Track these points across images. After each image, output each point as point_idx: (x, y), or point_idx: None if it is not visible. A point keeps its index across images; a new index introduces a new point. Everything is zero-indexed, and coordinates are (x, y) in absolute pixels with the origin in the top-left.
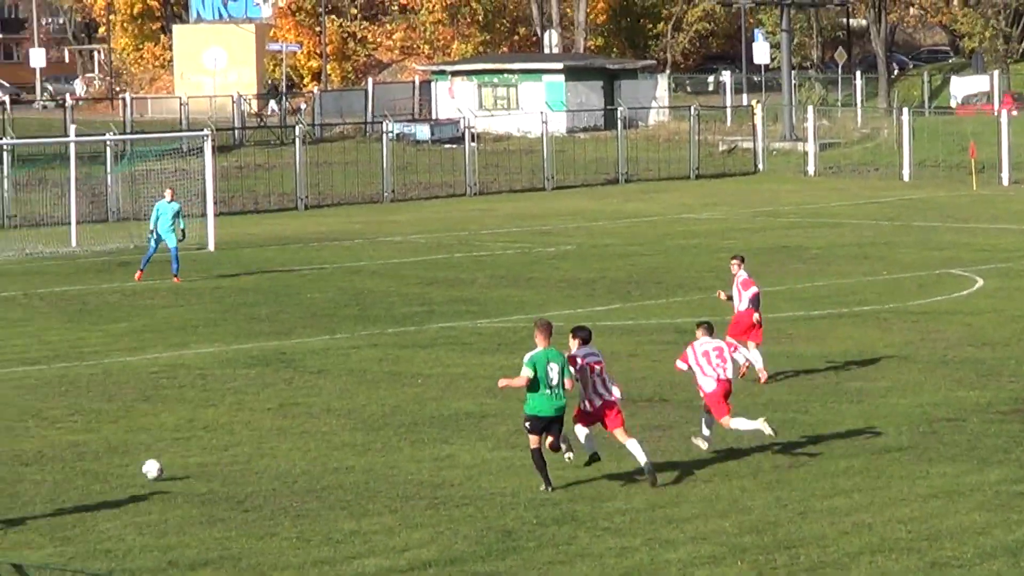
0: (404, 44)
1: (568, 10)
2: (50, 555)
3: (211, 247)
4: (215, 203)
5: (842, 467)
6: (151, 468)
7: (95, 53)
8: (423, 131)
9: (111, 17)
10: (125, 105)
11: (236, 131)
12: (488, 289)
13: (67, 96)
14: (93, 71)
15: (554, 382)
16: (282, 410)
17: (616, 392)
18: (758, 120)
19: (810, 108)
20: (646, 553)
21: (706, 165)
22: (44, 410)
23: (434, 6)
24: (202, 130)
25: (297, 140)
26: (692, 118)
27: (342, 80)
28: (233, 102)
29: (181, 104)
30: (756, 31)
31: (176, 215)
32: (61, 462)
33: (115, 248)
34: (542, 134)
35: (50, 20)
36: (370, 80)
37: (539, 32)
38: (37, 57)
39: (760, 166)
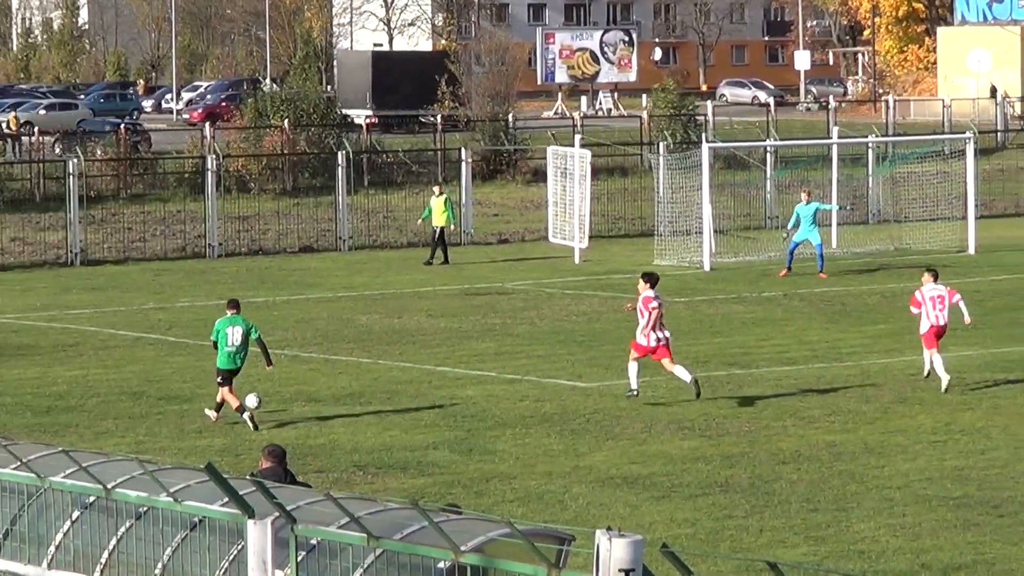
0: None
1: None
2: (804, 554)
3: (971, 250)
4: (976, 206)
5: None
6: (251, 400)
7: (859, 55)
8: None
9: (875, 19)
10: (887, 107)
11: (999, 133)
12: None
13: (830, 98)
14: (856, 73)
15: None
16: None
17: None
18: None
19: None
20: None
21: None
22: (802, 410)
23: None
24: (964, 133)
25: None
26: None
27: None
28: (996, 104)
29: (944, 107)
30: None
31: (815, 214)
32: (817, 462)
33: (875, 250)
34: None
35: (815, 23)
36: None
37: None
38: (802, 59)
39: None
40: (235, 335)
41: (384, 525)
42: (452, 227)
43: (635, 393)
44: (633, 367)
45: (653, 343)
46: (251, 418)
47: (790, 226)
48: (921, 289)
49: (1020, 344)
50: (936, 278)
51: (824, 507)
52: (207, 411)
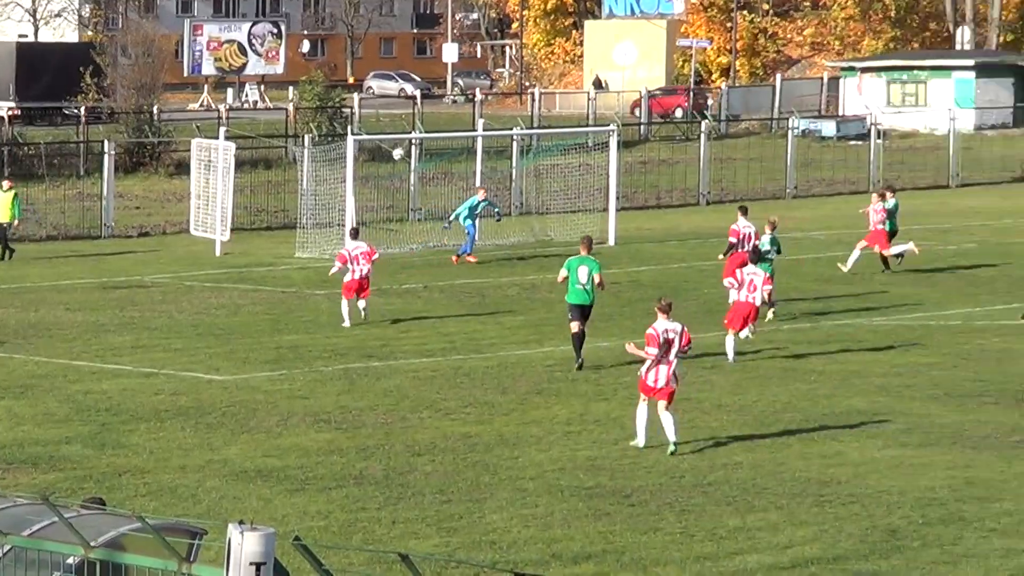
0: (814, 40)
1: (981, 6)
2: (436, 545)
3: (612, 242)
4: (617, 198)
5: None
6: None
7: (507, 48)
8: (829, 127)
9: (524, 12)
10: (533, 100)
11: (642, 126)
12: (887, 286)
13: (476, 90)
14: (504, 66)
15: None
16: (673, 405)
17: None
18: None
19: None
20: None
21: None
22: (438, 401)
23: (846, 2)
24: (608, 125)
25: (702, 136)
26: None
27: (750, 76)
28: (641, 97)
29: (589, 99)
30: None
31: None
32: (452, 453)
33: (515, 242)
34: (949, 131)
35: (463, 15)
36: (778, 76)
37: (951, 28)
38: (449, 52)
39: None
40: None
41: (12, 521)
42: (17, 224)
43: None
44: None
45: None
46: None
47: (452, 217)
48: (742, 270)
49: None
50: (746, 213)
51: (457, 498)
52: None
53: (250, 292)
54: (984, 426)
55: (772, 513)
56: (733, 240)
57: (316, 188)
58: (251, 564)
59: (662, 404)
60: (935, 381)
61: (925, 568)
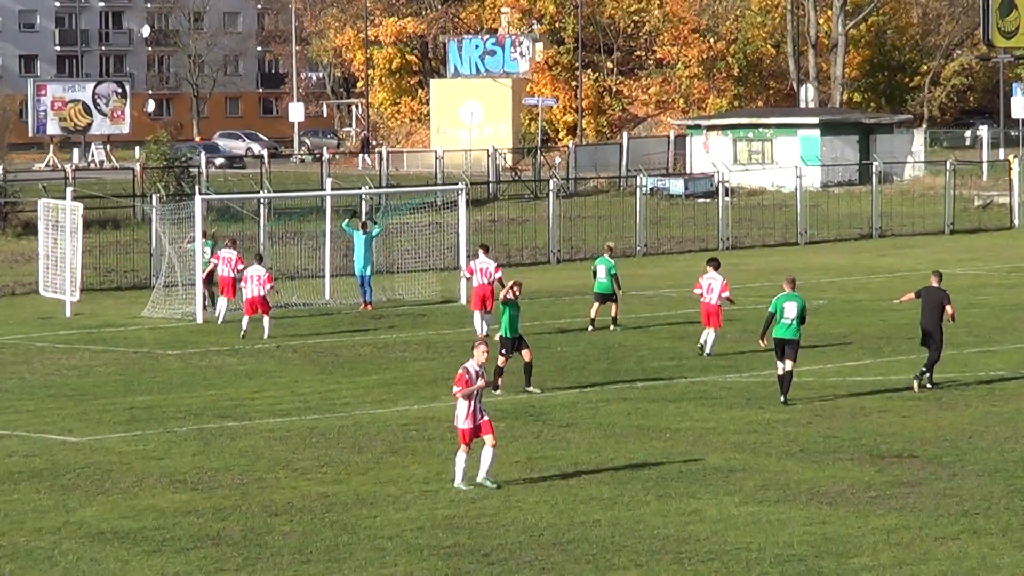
0: (659, 98)
1: (824, 64)
2: None
3: (463, 300)
4: (468, 257)
5: None
6: None
7: (352, 107)
8: (677, 185)
9: (369, 72)
10: (381, 159)
11: (491, 185)
12: (738, 343)
13: (323, 150)
14: (350, 125)
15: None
16: (530, 463)
17: None
18: (1015, 175)
19: None
20: None
21: (961, 220)
22: (294, 461)
23: (690, 60)
24: (457, 184)
25: (551, 194)
26: (948, 173)
27: (597, 134)
28: (488, 156)
29: (436, 158)
30: (1014, 85)
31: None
32: (310, 513)
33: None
34: (796, 188)
35: (309, 75)
36: (625, 134)
37: (795, 86)
38: (296, 111)
39: (1016, 221)
40: None
41: None
42: None
43: None
44: None
45: None
46: None
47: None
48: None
49: (510, 392)
50: (717, 267)
51: (316, 558)
52: None
53: (101, 353)
54: (840, 482)
55: (632, 571)
56: (697, 291)
57: (166, 247)
58: None
59: (488, 438)
60: (790, 437)
61: None
